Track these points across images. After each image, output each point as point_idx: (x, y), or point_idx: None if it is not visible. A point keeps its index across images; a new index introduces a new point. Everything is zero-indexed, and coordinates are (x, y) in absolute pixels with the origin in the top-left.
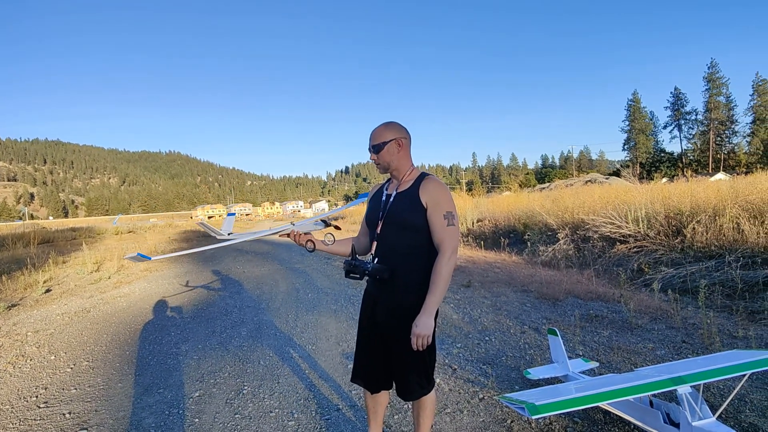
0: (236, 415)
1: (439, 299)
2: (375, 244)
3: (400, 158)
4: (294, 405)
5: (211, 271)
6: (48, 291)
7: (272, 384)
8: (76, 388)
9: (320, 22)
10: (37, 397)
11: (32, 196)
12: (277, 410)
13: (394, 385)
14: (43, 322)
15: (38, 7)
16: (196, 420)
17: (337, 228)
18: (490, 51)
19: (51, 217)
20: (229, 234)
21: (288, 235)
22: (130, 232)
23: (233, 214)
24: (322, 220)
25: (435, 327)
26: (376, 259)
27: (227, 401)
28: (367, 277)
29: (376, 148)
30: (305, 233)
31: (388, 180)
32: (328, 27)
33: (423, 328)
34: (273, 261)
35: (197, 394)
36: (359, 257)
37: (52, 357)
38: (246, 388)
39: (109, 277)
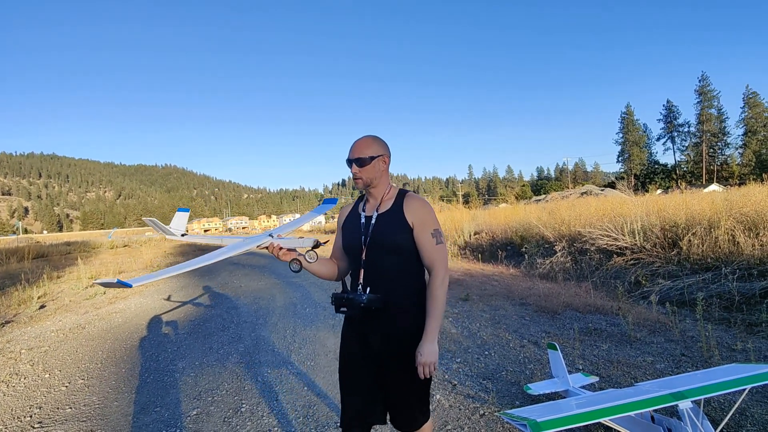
0: None
1: (439, 323)
2: (362, 271)
3: (383, 176)
4: (293, 423)
5: (207, 285)
6: (42, 307)
7: (271, 402)
8: (71, 408)
9: (316, 36)
10: (31, 416)
11: (26, 210)
12: (276, 428)
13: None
14: (38, 339)
15: (32, 22)
16: None
17: (321, 244)
18: (484, 66)
19: (45, 231)
20: (182, 235)
21: (267, 247)
22: (125, 246)
23: (186, 210)
24: (315, 240)
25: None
26: (368, 289)
27: (225, 420)
28: (361, 312)
29: (360, 162)
30: (290, 249)
31: (359, 200)
32: (325, 39)
33: (428, 355)
34: (270, 275)
35: (194, 413)
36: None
37: (47, 375)
38: (244, 406)
39: (105, 293)
